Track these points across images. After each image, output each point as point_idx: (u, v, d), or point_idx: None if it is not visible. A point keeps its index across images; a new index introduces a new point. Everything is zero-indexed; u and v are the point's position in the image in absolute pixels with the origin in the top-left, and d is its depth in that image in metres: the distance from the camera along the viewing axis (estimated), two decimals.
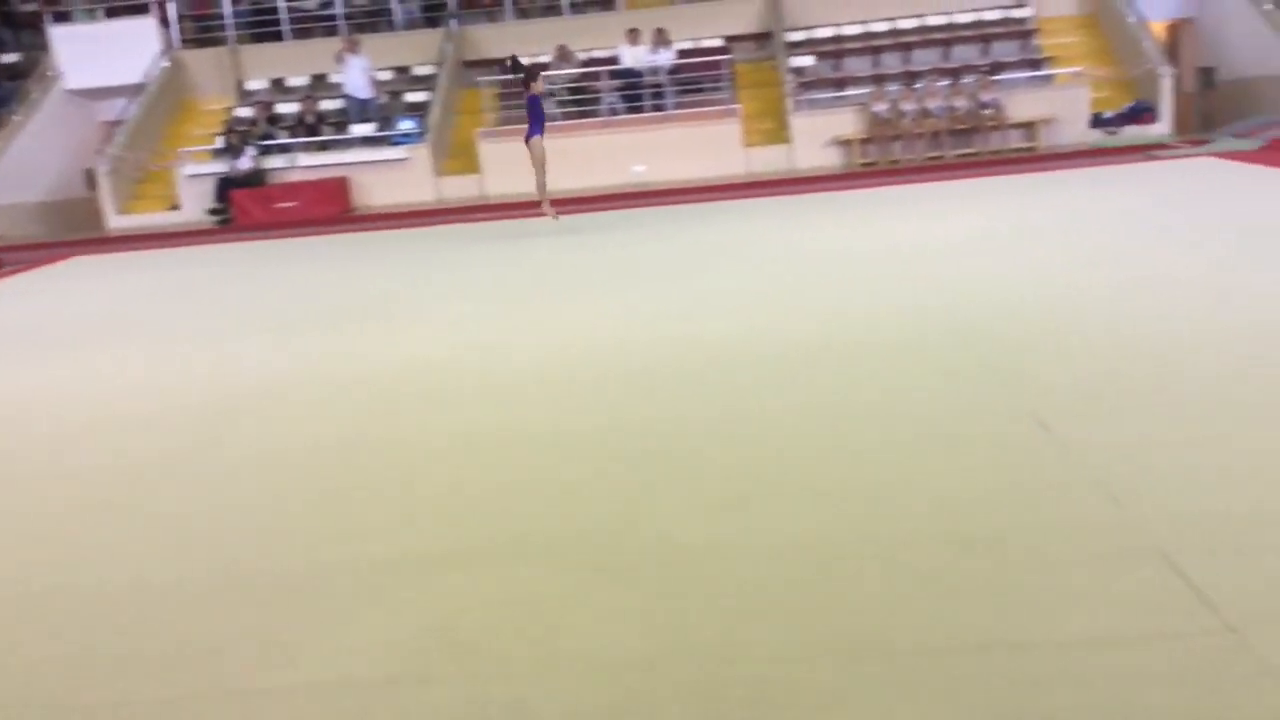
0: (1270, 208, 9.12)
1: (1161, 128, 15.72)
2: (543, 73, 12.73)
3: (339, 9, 19.57)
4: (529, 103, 11.90)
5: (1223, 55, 17.51)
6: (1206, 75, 18.20)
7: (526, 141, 11.91)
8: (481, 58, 18.82)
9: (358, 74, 17.27)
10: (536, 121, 11.79)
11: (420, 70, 18.72)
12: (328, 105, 18.18)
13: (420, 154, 16.76)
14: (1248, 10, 16.59)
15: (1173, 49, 18.61)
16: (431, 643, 2.89)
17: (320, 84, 18.95)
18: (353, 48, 17.21)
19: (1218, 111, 17.61)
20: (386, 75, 18.52)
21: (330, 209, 16.24)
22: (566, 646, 2.82)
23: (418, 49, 18.86)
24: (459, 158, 17.45)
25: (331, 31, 19.42)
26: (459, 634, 2.93)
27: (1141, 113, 15.76)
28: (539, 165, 11.94)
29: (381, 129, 17.31)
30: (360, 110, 17.45)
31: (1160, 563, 2.95)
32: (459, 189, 16.77)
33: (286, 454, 4.69)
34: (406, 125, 17.21)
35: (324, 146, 17.34)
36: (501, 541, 3.54)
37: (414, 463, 4.45)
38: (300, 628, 3.04)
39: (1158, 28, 17.58)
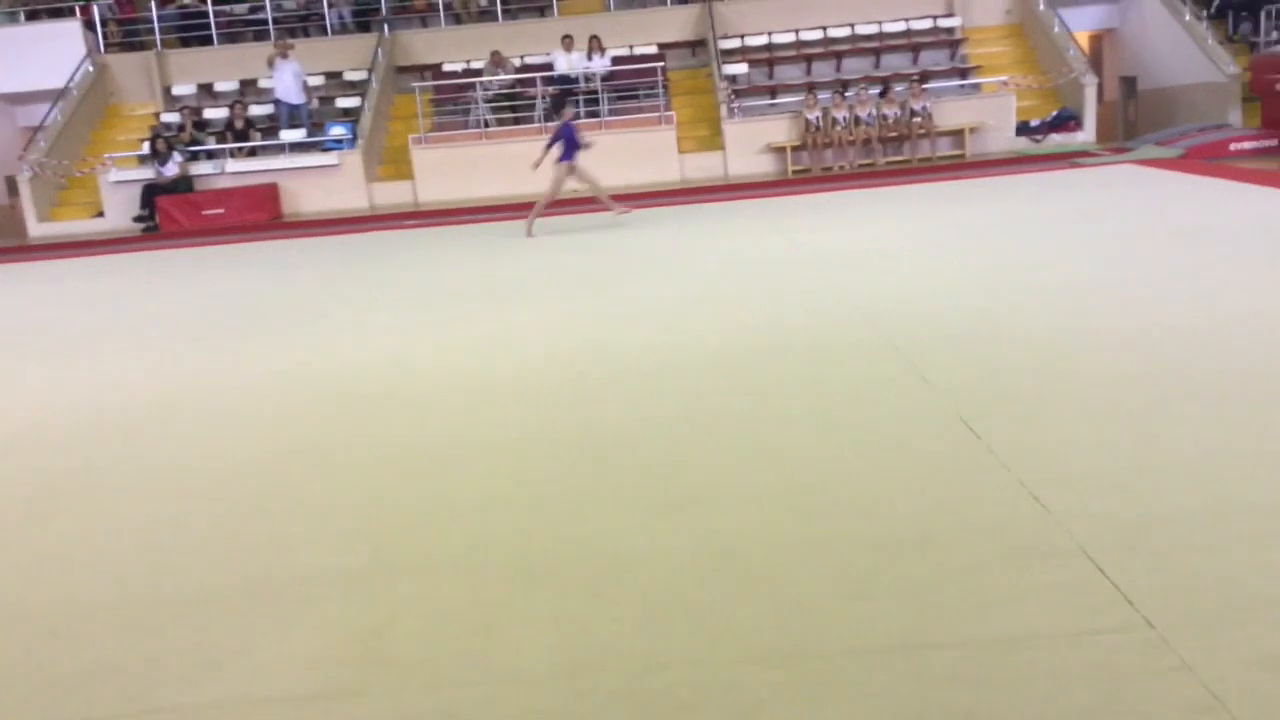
0: (1189, 214, 9.37)
1: (1085, 136, 16.07)
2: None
3: (269, 13, 19.31)
4: (564, 131, 11.99)
5: (1144, 65, 17.97)
6: (1129, 84, 18.65)
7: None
8: (414, 63, 18.68)
9: (289, 79, 17.04)
10: (569, 149, 11.96)
11: (352, 76, 18.54)
12: (257, 111, 17.93)
13: (352, 160, 16.58)
14: (1168, 21, 17.03)
15: (1096, 58, 19.05)
16: (359, 655, 2.86)
17: (250, 89, 18.68)
18: (284, 52, 16.99)
19: (1139, 120, 18.05)
20: (317, 80, 18.31)
21: (259, 216, 16.00)
22: (497, 656, 2.80)
23: (349, 54, 18.67)
24: (392, 164, 17.30)
25: (261, 36, 19.14)
26: (387, 646, 2.90)
27: (1066, 121, 16.10)
28: (552, 192, 12.14)
29: (312, 135, 17.11)
30: (291, 116, 17.23)
31: (1082, 561, 3.01)
32: (392, 195, 16.62)
33: (206, 466, 4.60)
34: (338, 131, 17.02)
35: (253, 152, 17.09)
36: (428, 552, 3.50)
37: (338, 473, 4.39)
38: (225, 643, 2.98)
39: (1082, 37, 17.97)
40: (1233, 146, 13.85)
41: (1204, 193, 10.53)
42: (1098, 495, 3.46)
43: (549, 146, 12.03)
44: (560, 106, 12.36)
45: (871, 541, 3.28)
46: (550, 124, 16.52)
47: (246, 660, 2.87)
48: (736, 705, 2.49)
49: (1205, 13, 16.99)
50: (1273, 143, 13.71)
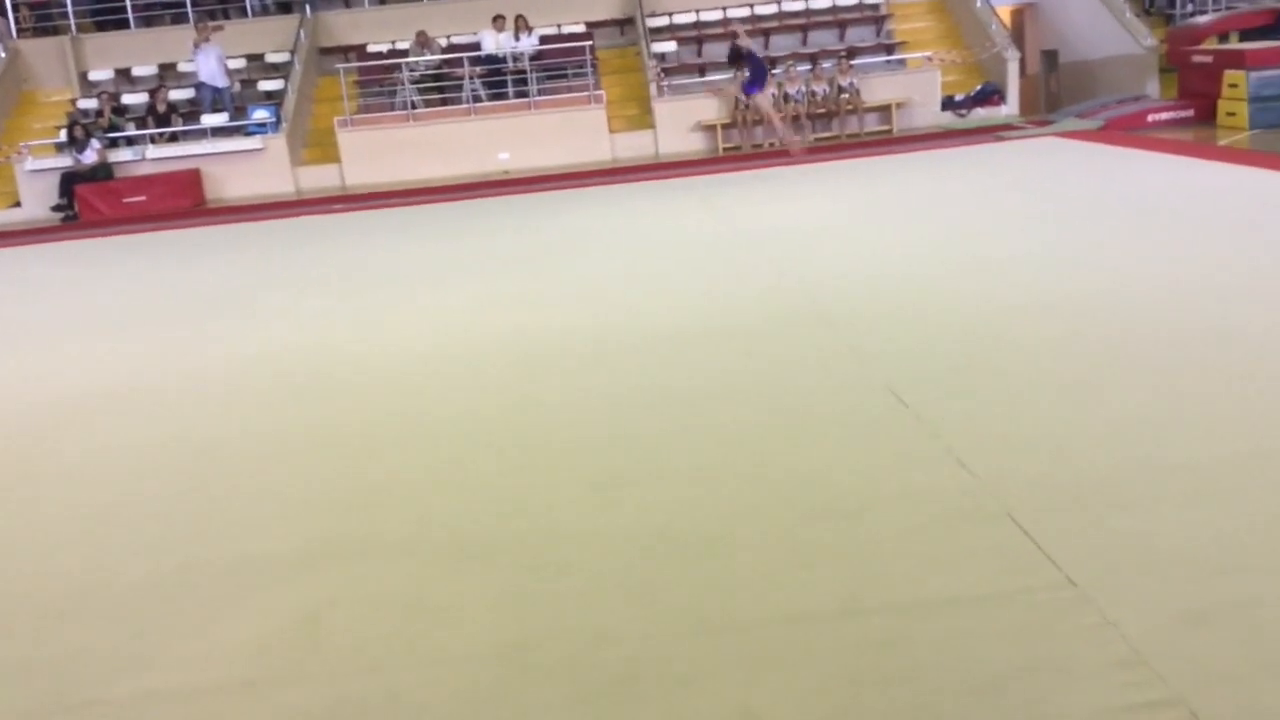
0: (1110, 185, 9.57)
1: (1009, 109, 16.30)
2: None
3: None
4: (750, 60, 12.45)
5: (1064, 39, 18.26)
6: (1050, 58, 18.95)
7: (749, 97, 12.72)
8: (338, 44, 18.36)
9: (213, 62, 16.67)
10: (757, 78, 12.50)
11: (274, 58, 18.17)
12: (178, 95, 17.51)
13: (276, 144, 16.27)
14: None
15: (1018, 33, 19.30)
16: (298, 641, 2.84)
17: (170, 73, 18.23)
18: (208, 35, 16.61)
19: (1061, 92, 18.36)
20: (239, 63, 17.93)
21: (182, 202, 15.66)
22: (437, 637, 2.80)
23: (271, 36, 18.29)
24: (317, 147, 17.02)
25: (180, 19, 18.66)
26: (326, 631, 2.89)
27: (989, 95, 16.30)
28: (769, 116, 12.88)
29: (235, 119, 16.77)
30: (214, 100, 16.86)
31: (1007, 524, 3.09)
32: (318, 179, 16.36)
33: (133, 455, 4.52)
34: (261, 114, 16.69)
35: (174, 138, 16.70)
36: (366, 535, 3.49)
37: (268, 459, 4.35)
38: (155, 633, 2.95)
39: (1003, 12, 18.19)
40: (1151, 117, 14.14)
41: (1124, 163, 10.77)
42: (1022, 460, 3.55)
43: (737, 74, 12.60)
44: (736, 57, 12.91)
45: (805, 512, 3.34)
46: (477, 105, 16.38)
47: (181, 649, 2.85)
48: (676, 676, 2.53)
49: None
50: (1189, 113, 14.03)
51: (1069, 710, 2.25)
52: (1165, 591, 2.66)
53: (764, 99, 12.67)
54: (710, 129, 16.13)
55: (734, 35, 13.00)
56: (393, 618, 2.92)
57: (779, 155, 14.83)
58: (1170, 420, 3.77)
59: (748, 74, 12.62)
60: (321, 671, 2.69)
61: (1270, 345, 4.48)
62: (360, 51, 18.06)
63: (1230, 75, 13.16)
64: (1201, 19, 15.65)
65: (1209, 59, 13.98)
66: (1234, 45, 14.50)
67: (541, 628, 2.79)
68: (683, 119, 16.30)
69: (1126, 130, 13.69)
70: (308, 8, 18.64)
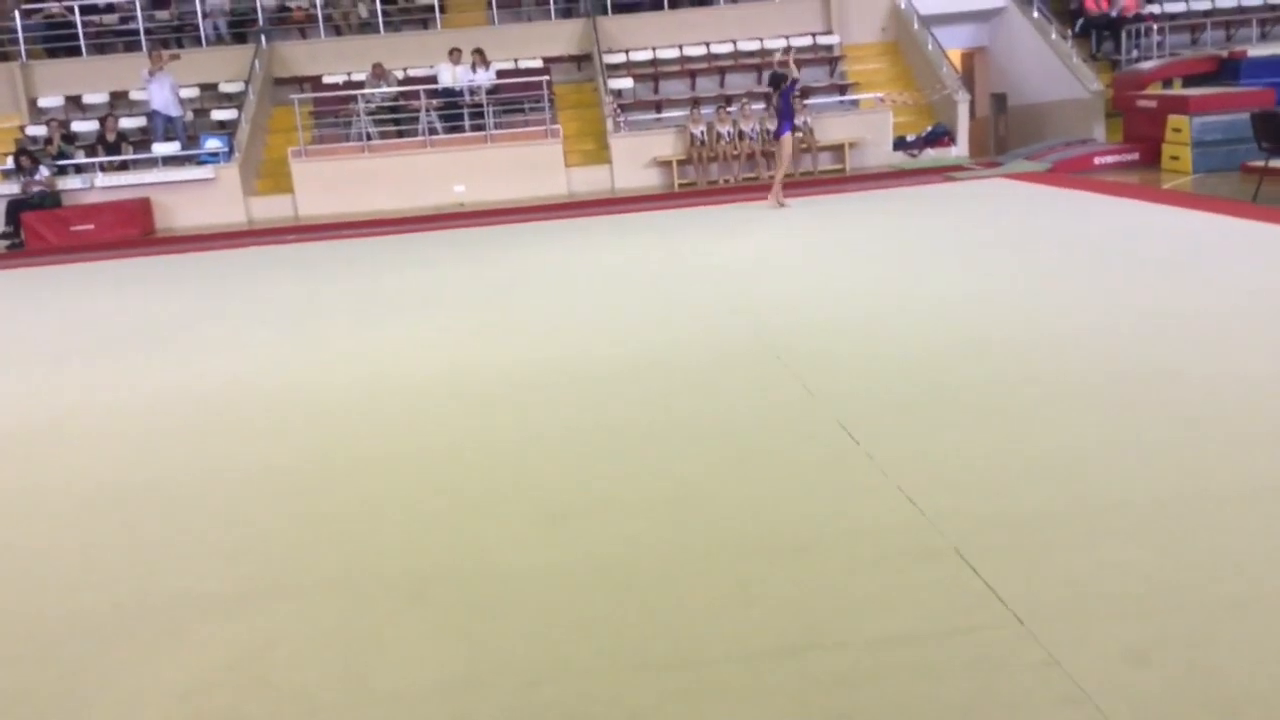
0: (1057, 226, 9.73)
1: (959, 150, 16.58)
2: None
3: (140, 23, 18.71)
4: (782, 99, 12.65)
5: (1013, 82, 18.65)
6: (999, 101, 19.34)
7: (777, 139, 12.87)
8: (293, 75, 18.30)
9: (166, 90, 16.54)
10: (787, 119, 12.67)
11: (228, 87, 18.08)
12: (129, 123, 17.35)
13: (228, 173, 16.16)
14: (1035, 40, 17.70)
15: (968, 76, 19.69)
16: (235, 683, 2.77)
17: (121, 101, 18.06)
18: (163, 64, 16.48)
19: (1010, 135, 18.72)
20: (192, 92, 17.81)
21: (131, 231, 15.47)
22: (380, 677, 2.75)
23: (225, 65, 18.21)
24: (270, 177, 16.92)
25: (133, 47, 18.52)
26: (265, 672, 2.82)
27: (940, 136, 16.59)
28: (782, 161, 12.93)
29: (187, 148, 16.63)
30: (166, 128, 16.71)
31: (955, 561, 3.09)
32: (270, 210, 16.25)
33: (73, 490, 4.42)
34: (214, 144, 16.58)
35: (124, 166, 16.52)
36: (308, 573, 3.43)
37: (213, 495, 4.26)
38: (92, 674, 2.87)
39: (954, 55, 18.56)
40: (1097, 160, 14.45)
41: (1070, 205, 10.96)
42: (969, 496, 3.57)
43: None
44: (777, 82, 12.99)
45: (754, 548, 3.32)
46: (434, 136, 16.38)
47: (115, 692, 2.77)
48: (621, 714, 2.50)
49: (1070, 32, 17.71)
50: (1134, 156, 14.35)
51: None
52: (1109, 629, 2.67)
53: (787, 142, 12.82)
54: (666, 165, 16.25)
55: (783, 63, 13.22)
56: (334, 657, 2.86)
57: (733, 191, 14.95)
58: (1114, 458, 3.82)
59: (779, 109, 12.74)
60: (259, 714, 2.62)
61: (1210, 385, 4.56)
62: (315, 82, 18.01)
63: (1174, 120, 13.49)
64: (1146, 65, 16.04)
65: (1153, 104, 14.32)
66: (1178, 91, 14.88)
67: (487, 665, 2.75)
68: (639, 155, 16.41)
69: (1073, 173, 13.97)
70: (263, 38, 18.58)
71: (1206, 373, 4.73)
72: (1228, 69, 15.34)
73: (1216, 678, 2.43)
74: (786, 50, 14.00)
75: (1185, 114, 13.25)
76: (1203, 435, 3.98)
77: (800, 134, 16.00)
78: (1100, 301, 6.36)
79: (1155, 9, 17.72)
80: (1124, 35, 17.24)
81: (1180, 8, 18.01)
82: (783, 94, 12.64)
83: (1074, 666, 2.51)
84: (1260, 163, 10.64)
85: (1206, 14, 17.81)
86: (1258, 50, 15.64)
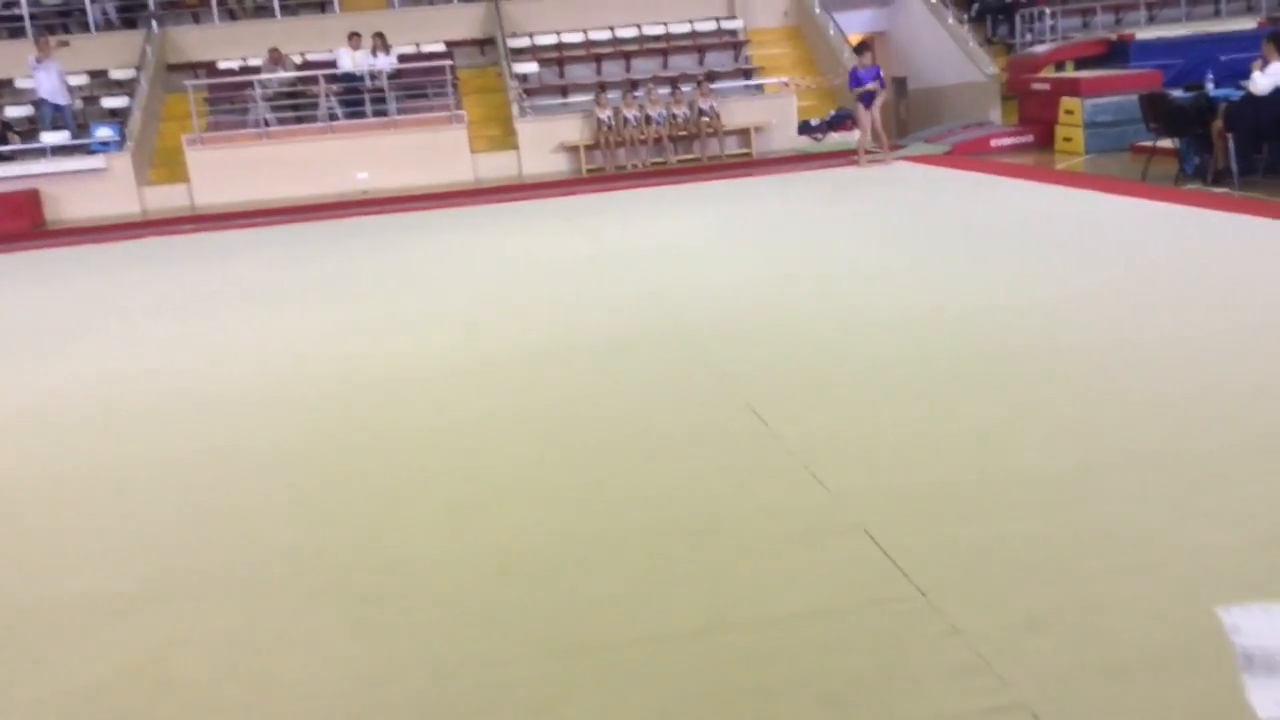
0: (955, 207, 9.94)
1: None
2: None
3: (24, 9, 17.98)
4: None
5: (913, 66, 18.95)
6: (899, 85, 19.63)
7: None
8: (187, 61, 17.77)
9: (54, 78, 15.91)
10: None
11: (119, 74, 17.47)
12: (15, 112, 16.67)
13: (121, 163, 15.62)
14: (933, 24, 18.00)
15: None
16: (136, 685, 2.70)
17: (5, 89, 17.35)
18: (50, 51, 15.85)
19: (910, 118, 19.03)
20: (81, 79, 17.18)
21: (18, 224, 14.87)
22: (286, 674, 2.71)
23: (115, 52, 17.58)
24: (165, 166, 16.41)
25: (17, 33, 17.77)
26: (168, 673, 2.76)
27: (843, 120, 16.77)
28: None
29: (77, 137, 16.04)
30: (54, 117, 16.09)
31: (861, 537, 3.15)
32: (165, 199, 15.76)
33: None
34: (104, 133, 16.01)
35: (10, 156, 15.89)
36: (211, 570, 3.35)
37: (111, 492, 4.15)
38: None
39: (855, 40, 18.79)
40: (993, 142, 14.77)
41: (969, 186, 11.21)
42: (874, 474, 3.64)
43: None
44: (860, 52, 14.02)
45: (662, 531, 3.35)
46: (335, 122, 16.08)
47: (11, 695, 2.68)
48: (535, 702, 2.49)
49: (966, 16, 18.05)
50: (1028, 138, 14.70)
51: (917, 717, 2.31)
52: (1008, 598, 2.75)
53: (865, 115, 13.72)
54: (573, 150, 16.19)
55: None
56: (240, 654, 2.81)
57: (642, 177, 14.97)
58: (1011, 433, 3.92)
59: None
60: (162, 713, 2.56)
61: (1103, 361, 4.70)
62: (210, 68, 17.52)
63: (1066, 102, 13.85)
64: (1040, 49, 16.43)
65: (1047, 87, 14.69)
66: (1070, 74, 15.28)
67: (395, 658, 2.73)
68: (546, 140, 16.30)
69: (971, 154, 14.26)
70: (154, 23, 18.02)
71: (1100, 349, 4.88)
72: (1117, 52, 15.79)
73: (1109, 641, 2.52)
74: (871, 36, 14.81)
75: (1077, 96, 13.61)
76: (1096, 410, 4.11)
77: (707, 118, 16.07)
78: (997, 281, 6.51)
79: None
80: (1018, 19, 17.63)
81: None
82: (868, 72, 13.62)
83: (975, 635, 2.58)
84: (1148, 143, 10.98)
85: None
86: (1146, 33, 16.13)
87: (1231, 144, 9.50)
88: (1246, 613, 2.63)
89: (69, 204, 15.61)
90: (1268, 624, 2.60)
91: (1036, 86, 15.03)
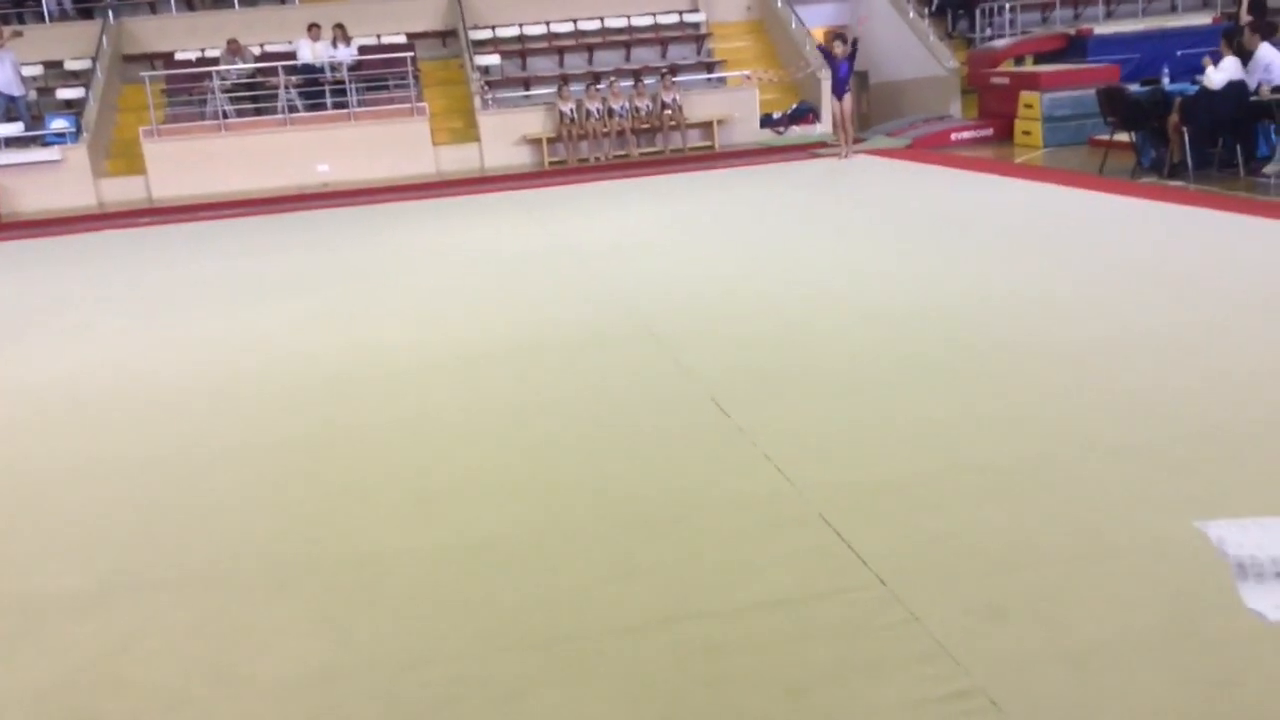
0: (916, 201, 10.01)
1: (823, 127, 16.88)
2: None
3: None
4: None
5: (874, 61, 19.05)
6: (861, 79, 19.73)
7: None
8: (144, 51, 17.54)
9: (7, 69, 15.65)
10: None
11: (74, 65, 17.23)
12: None
13: (76, 155, 15.40)
14: (894, 18, 18.11)
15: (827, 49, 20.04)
16: (93, 682, 2.68)
17: None
18: (2, 41, 15.58)
19: (871, 112, 19.13)
20: (35, 70, 16.92)
21: None
22: (246, 669, 2.69)
23: (71, 42, 17.33)
24: (121, 158, 16.19)
25: None
26: (125, 669, 2.73)
27: (805, 113, 16.86)
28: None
29: (31, 128, 15.80)
30: (7, 108, 15.84)
31: (821, 527, 3.18)
32: (122, 191, 15.56)
33: None
34: (60, 124, 15.78)
35: None
36: (171, 565, 3.32)
37: (62, 488, 4.09)
38: None
39: (817, 34, 18.87)
40: (954, 136, 14.89)
41: (929, 179, 11.29)
42: (835, 465, 3.66)
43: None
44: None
45: (627, 523, 3.35)
46: (294, 114, 15.93)
47: None
48: (498, 694, 2.49)
49: (927, 11, 18.17)
50: (988, 132, 14.83)
51: (876, 705, 2.33)
52: (966, 586, 2.78)
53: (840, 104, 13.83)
54: (536, 143, 16.14)
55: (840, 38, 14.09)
56: (200, 650, 2.78)
57: (605, 169, 14.96)
58: (970, 424, 3.96)
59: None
60: (120, 712, 2.54)
61: (1062, 353, 4.76)
62: (168, 59, 17.30)
63: (1025, 96, 13.98)
64: (999, 43, 16.58)
65: (1006, 81, 14.81)
66: (1029, 68, 15.42)
67: (358, 652, 2.72)
68: (508, 132, 16.25)
69: (932, 148, 14.37)
70: (111, 13, 17.77)
71: (1054, 341, 4.94)
72: (1076, 46, 15.96)
73: (1068, 629, 2.56)
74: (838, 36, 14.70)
75: (1036, 90, 13.74)
76: (1051, 401, 4.16)
77: (669, 111, 16.08)
78: (958, 275, 6.57)
79: None
80: (978, 14, 17.78)
81: None
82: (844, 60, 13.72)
83: (933, 624, 2.61)
84: (1106, 137, 11.12)
85: None
86: (1104, 28, 16.32)
87: (1187, 138, 9.64)
88: (1227, 526, 2.77)
89: (23, 196, 15.37)
90: (1247, 535, 2.70)
91: (996, 81, 15.16)
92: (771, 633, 2.65)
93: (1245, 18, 11.10)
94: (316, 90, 16.32)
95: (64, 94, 16.82)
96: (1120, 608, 2.63)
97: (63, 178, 15.43)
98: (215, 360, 5.90)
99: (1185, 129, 9.65)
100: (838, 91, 13.81)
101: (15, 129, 15.79)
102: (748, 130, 16.57)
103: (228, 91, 16.08)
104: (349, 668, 2.65)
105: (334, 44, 16.45)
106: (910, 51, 17.76)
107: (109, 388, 5.49)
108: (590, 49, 18.00)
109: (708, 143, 16.42)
